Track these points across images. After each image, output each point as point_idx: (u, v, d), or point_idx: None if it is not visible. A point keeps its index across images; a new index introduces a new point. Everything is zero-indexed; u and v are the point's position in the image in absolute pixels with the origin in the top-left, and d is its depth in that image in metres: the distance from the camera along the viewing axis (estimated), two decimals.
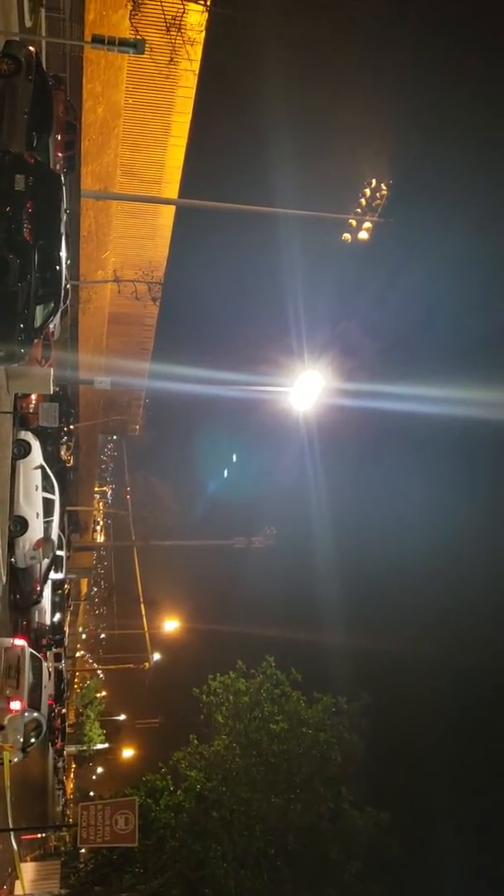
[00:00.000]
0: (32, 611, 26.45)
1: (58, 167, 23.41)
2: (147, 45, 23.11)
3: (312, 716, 26.11)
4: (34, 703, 19.08)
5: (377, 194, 31.82)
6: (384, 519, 69.99)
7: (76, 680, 76.98)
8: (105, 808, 17.64)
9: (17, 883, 18.83)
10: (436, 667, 49.73)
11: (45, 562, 24.62)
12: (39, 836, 34.82)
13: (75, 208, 33.96)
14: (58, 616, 35.35)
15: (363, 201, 32.07)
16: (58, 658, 42.36)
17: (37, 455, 24.55)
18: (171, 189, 46.20)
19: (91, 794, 68.92)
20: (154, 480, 77.92)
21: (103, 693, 76.03)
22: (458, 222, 56.49)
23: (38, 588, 24.70)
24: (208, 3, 31.42)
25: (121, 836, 17.41)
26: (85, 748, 65.60)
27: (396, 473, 72.56)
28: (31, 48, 18.52)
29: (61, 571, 30.77)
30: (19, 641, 19.35)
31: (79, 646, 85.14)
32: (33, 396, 25.94)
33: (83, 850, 26.94)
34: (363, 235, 32.32)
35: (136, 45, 21.96)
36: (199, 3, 31.00)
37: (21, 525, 22.89)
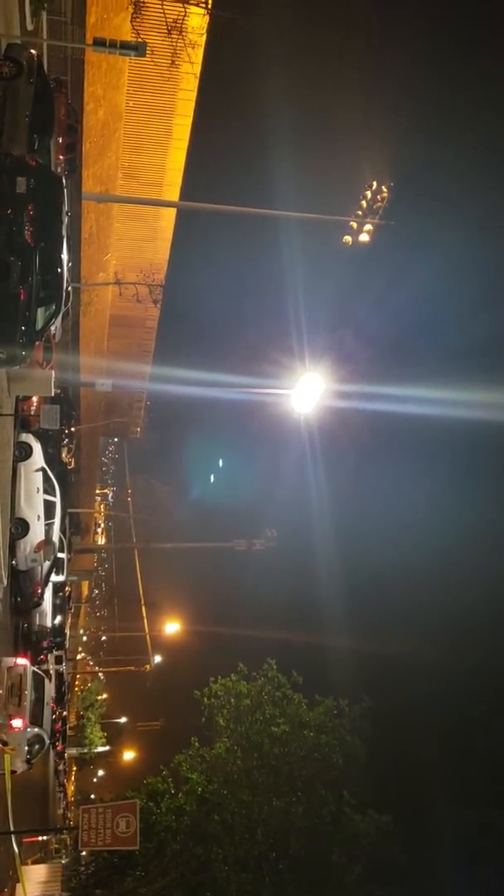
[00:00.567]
0: (33, 613, 26.45)
1: (59, 170, 23.46)
2: (148, 48, 23.11)
3: (314, 718, 26.09)
4: (36, 720, 19.78)
5: (378, 197, 31.80)
6: (385, 522, 69.99)
7: (77, 682, 76.93)
8: (106, 811, 17.61)
9: (18, 886, 18.82)
10: (437, 669, 49.66)
11: (46, 564, 24.62)
12: (40, 839, 34.76)
13: (76, 211, 34.00)
14: (59, 618, 35.28)
15: (364, 204, 32.06)
16: (59, 660, 42.26)
17: (38, 457, 24.54)
18: (173, 191, 46.25)
19: (92, 796, 68.95)
20: (155, 483, 77.91)
21: (104, 695, 75.90)
22: (458, 224, 56.54)
23: (39, 590, 24.69)
24: (209, 6, 31.45)
25: (122, 839, 17.38)
26: (86, 751, 65.47)
27: (397, 476, 72.54)
28: (32, 51, 18.54)
29: (62, 574, 30.74)
30: (21, 660, 20.07)
31: (80, 648, 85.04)
32: (34, 399, 25.95)
33: (84, 853, 26.88)
34: (364, 238, 32.30)
35: (138, 48, 21.98)
36: (201, 7, 31.04)
37: (22, 527, 22.88)
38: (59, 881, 21.03)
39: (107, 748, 67.05)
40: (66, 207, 17.72)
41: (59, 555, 27.41)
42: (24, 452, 23.82)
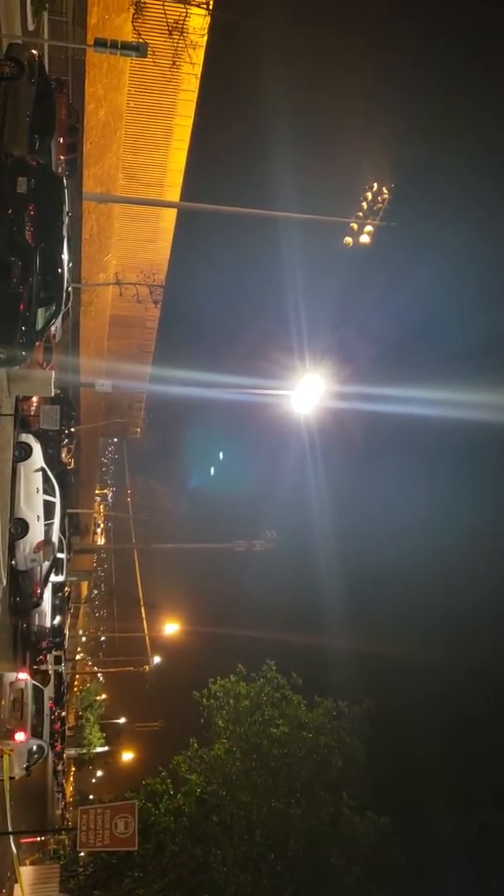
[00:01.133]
0: (32, 613, 26.42)
1: (60, 170, 23.44)
2: (149, 49, 23.09)
3: (313, 720, 26.09)
4: (36, 732, 20.74)
5: (379, 198, 31.81)
6: (385, 523, 69.92)
7: (76, 683, 76.86)
8: (105, 812, 17.59)
9: (17, 887, 18.78)
10: (437, 671, 49.66)
11: (46, 564, 24.61)
12: (39, 839, 34.70)
13: (77, 211, 34.00)
14: (58, 619, 35.25)
15: (365, 205, 32.05)
16: (58, 661, 42.25)
17: (38, 457, 24.53)
18: (173, 192, 46.25)
19: (91, 797, 68.86)
20: (155, 483, 77.91)
21: (103, 696, 75.83)
22: (459, 226, 56.56)
23: (39, 591, 24.68)
24: (210, 7, 31.43)
25: (120, 839, 17.36)
26: (85, 751, 65.34)
27: (398, 477, 72.47)
28: (33, 51, 18.54)
29: (62, 574, 30.72)
30: (22, 675, 20.77)
31: (79, 648, 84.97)
32: (34, 399, 25.93)
33: (83, 854, 26.84)
34: (365, 239, 32.30)
35: (139, 49, 21.97)
36: (202, 7, 31.00)
37: (22, 527, 22.87)
38: (58, 882, 20.97)
39: (105, 749, 66.95)
40: (66, 208, 17.71)
41: (59, 555, 27.40)
42: (24, 453, 23.81)
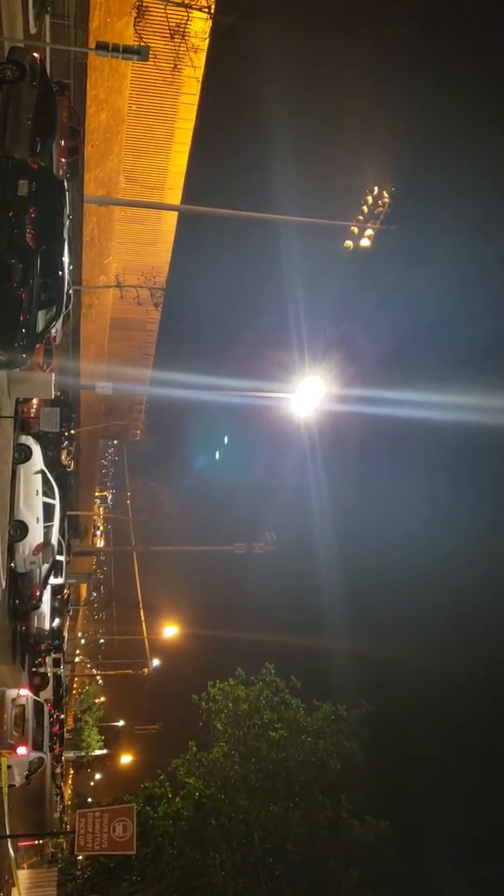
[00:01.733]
0: (32, 616, 26.35)
1: (61, 172, 23.45)
2: (151, 52, 23.13)
3: (312, 723, 26.06)
4: (37, 746, 21.35)
5: (379, 201, 31.85)
6: (386, 526, 69.87)
7: (75, 685, 76.75)
8: (103, 816, 17.52)
9: (14, 890, 18.73)
10: (437, 675, 49.58)
11: (45, 567, 24.57)
12: (36, 843, 34.64)
13: (78, 214, 34.03)
14: (57, 621, 35.24)
15: (365, 208, 32.10)
16: (56, 663, 42.16)
17: (37, 460, 24.51)
18: (174, 195, 46.32)
19: (89, 800, 68.83)
20: (155, 486, 77.92)
21: (102, 699, 75.74)
22: (460, 229, 56.58)
23: (38, 593, 24.62)
24: (212, 10, 31.47)
25: (118, 843, 17.29)
26: (83, 754, 65.27)
27: (398, 480, 72.45)
28: (35, 54, 18.58)
29: (61, 576, 30.68)
30: (24, 692, 21.15)
31: (78, 651, 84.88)
32: (34, 401, 25.89)
33: (80, 858, 26.79)
34: (365, 242, 32.35)
35: (140, 52, 22.01)
36: (203, 11, 31.04)
37: (21, 530, 22.83)
38: (55, 886, 20.96)
39: (104, 752, 66.85)
40: (67, 210, 17.73)
41: (58, 557, 27.36)
42: (24, 455, 23.79)
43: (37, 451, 24.63)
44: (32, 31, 23.28)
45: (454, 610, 53.48)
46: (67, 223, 17.92)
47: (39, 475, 24.50)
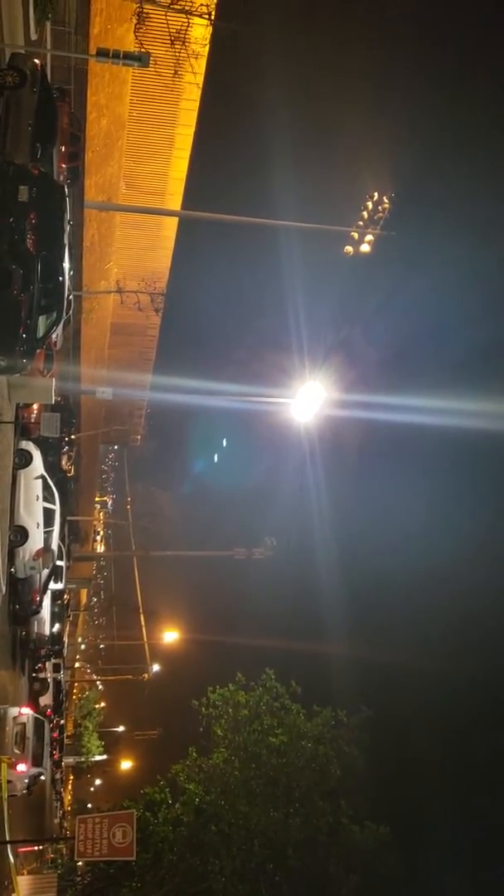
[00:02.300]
0: (32, 621, 26.37)
1: (61, 178, 23.53)
2: (151, 59, 23.19)
3: (312, 729, 25.99)
4: (37, 762, 22.27)
5: (379, 207, 31.95)
6: (385, 530, 69.84)
7: (75, 690, 76.64)
8: (103, 821, 17.47)
9: None
10: (437, 681, 49.48)
11: (45, 572, 24.58)
12: (36, 848, 34.56)
13: (78, 219, 34.11)
14: (57, 626, 35.21)
15: (365, 214, 32.19)
16: (56, 668, 42.14)
17: (38, 465, 24.54)
18: (174, 201, 46.45)
19: (89, 806, 68.65)
20: (155, 490, 77.93)
21: (102, 704, 75.64)
22: (459, 235, 56.68)
23: (38, 598, 24.64)
24: (212, 17, 31.58)
25: (118, 849, 17.23)
26: (83, 760, 65.15)
27: (398, 485, 72.42)
28: (36, 61, 18.67)
29: (61, 581, 30.69)
30: (25, 710, 21.90)
31: (78, 656, 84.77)
32: (35, 406, 25.94)
33: (80, 864, 26.71)
34: (365, 248, 32.44)
35: (141, 59, 22.08)
36: (204, 18, 31.13)
37: (21, 535, 22.85)
38: (55, 892, 20.88)
39: (104, 757, 66.73)
40: (68, 216, 17.78)
41: (58, 562, 27.37)
42: (24, 460, 23.83)
43: (37, 456, 24.66)
44: (33, 37, 23.37)
45: (454, 614, 53.44)
46: (68, 229, 17.97)
47: (40, 480, 24.54)
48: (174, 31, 29.96)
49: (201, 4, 30.72)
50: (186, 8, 29.68)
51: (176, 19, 30.14)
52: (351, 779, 25.39)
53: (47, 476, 25.56)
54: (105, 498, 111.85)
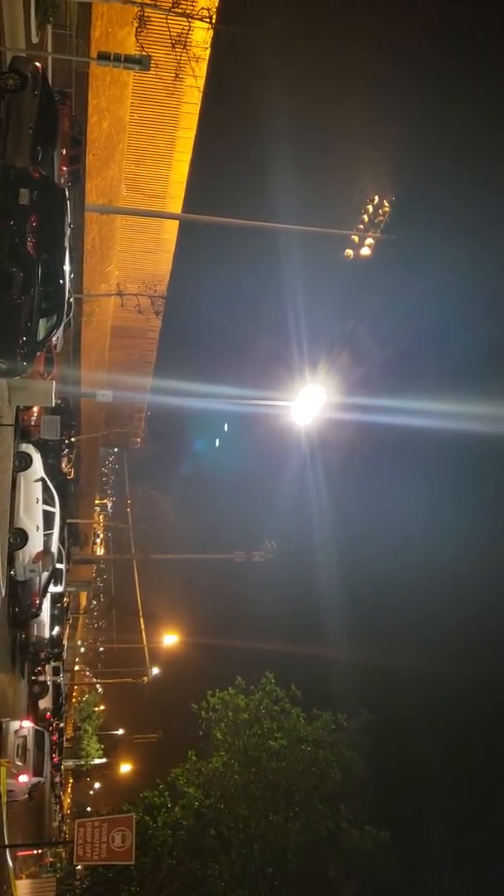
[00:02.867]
0: (31, 624, 26.33)
1: (62, 181, 23.56)
2: (152, 62, 23.25)
3: (312, 733, 25.97)
4: (38, 772, 22.71)
5: (379, 210, 31.97)
6: (385, 533, 69.78)
7: (74, 694, 76.56)
8: (102, 825, 17.43)
9: None
10: (437, 683, 49.41)
11: (45, 575, 24.53)
12: (35, 852, 34.48)
13: (79, 222, 34.13)
14: (57, 629, 35.18)
15: (365, 217, 32.22)
16: (56, 671, 42.09)
17: (38, 467, 24.52)
18: (175, 204, 46.49)
19: (88, 809, 68.53)
20: (155, 493, 77.92)
21: (101, 707, 75.53)
22: (460, 238, 56.70)
23: (38, 601, 24.58)
24: (213, 20, 31.63)
25: (117, 853, 17.19)
26: (82, 763, 65.07)
27: (398, 488, 72.39)
28: (37, 64, 18.68)
29: (60, 584, 30.63)
30: (26, 723, 22.12)
31: (77, 659, 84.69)
32: (35, 409, 25.93)
33: (79, 868, 26.64)
34: (365, 251, 32.46)
35: (142, 62, 22.12)
36: (205, 21, 31.19)
37: (21, 537, 22.82)
38: (54, 895, 20.90)
39: (103, 760, 66.63)
40: (68, 219, 17.80)
41: (58, 565, 27.33)
42: (24, 462, 23.80)
43: (37, 458, 24.64)
44: (34, 40, 23.41)
45: (454, 617, 53.35)
46: (68, 232, 17.98)
47: (40, 483, 24.52)
48: (175, 34, 29.99)
49: (202, 8, 30.84)
50: (187, 11, 29.74)
51: (177, 23, 30.19)
52: (351, 783, 25.37)
53: (47, 479, 25.54)
54: (105, 501, 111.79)
